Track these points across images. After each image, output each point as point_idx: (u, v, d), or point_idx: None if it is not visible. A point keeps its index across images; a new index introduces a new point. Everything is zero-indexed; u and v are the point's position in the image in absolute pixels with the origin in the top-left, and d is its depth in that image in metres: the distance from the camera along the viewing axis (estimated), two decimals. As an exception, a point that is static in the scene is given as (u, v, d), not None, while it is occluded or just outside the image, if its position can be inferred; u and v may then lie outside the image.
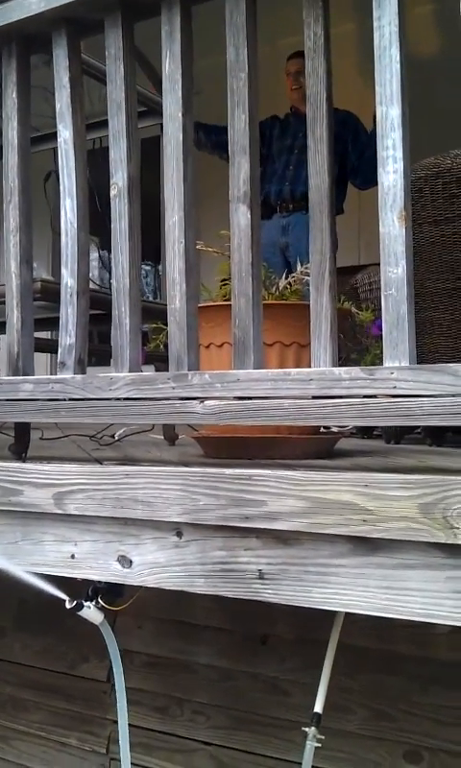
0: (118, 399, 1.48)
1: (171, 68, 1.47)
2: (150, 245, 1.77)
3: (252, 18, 1.41)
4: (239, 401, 1.35)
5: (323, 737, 1.70)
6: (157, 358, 2.19)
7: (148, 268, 6.07)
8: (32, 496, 1.48)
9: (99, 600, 1.56)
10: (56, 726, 2.40)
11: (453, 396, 1.16)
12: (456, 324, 2.21)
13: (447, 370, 1.17)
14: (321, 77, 1.35)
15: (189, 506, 1.30)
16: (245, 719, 2.06)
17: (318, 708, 1.72)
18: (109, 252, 1.59)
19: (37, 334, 1.75)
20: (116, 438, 2.28)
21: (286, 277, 1.76)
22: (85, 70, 1.85)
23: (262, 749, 2.02)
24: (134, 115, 1.56)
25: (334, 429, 1.96)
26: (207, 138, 3.79)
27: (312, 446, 1.67)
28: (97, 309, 1.85)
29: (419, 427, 2.18)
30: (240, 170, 1.40)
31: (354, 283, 2.80)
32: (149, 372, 1.53)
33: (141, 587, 1.42)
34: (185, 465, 1.42)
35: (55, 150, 1.76)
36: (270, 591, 1.25)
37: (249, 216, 1.39)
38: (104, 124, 1.60)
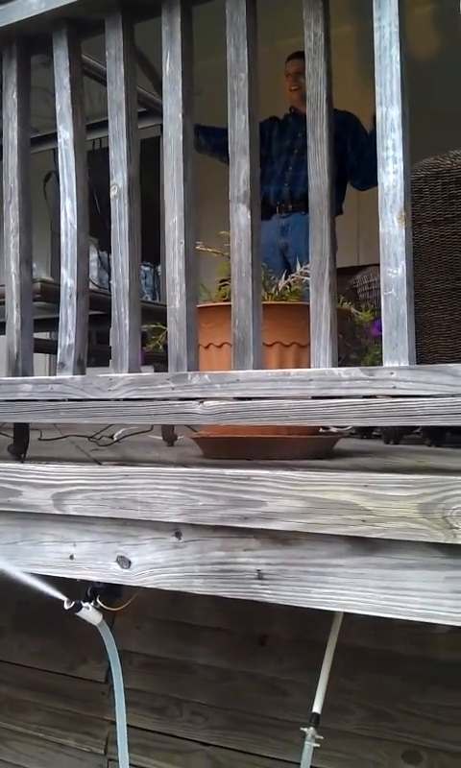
0: (117, 400, 1.48)
1: (171, 69, 1.47)
2: (148, 246, 1.77)
3: (252, 19, 1.41)
4: (239, 402, 1.35)
5: (321, 737, 1.70)
6: (155, 359, 2.19)
7: (147, 269, 6.08)
8: (31, 497, 1.48)
9: (98, 601, 1.56)
10: (54, 727, 2.40)
11: (453, 396, 1.16)
12: (456, 325, 2.21)
13: (446, 370, 1.18)
14: (321, 77, 1.35)
15: (188, 506, 1.30)
16: (243, 719, 2.06)
17: (317, 708, 1.72)
18: (109, 252, 1.59)
19: (37, 335, 1.75)
20: (115, 439, 2.28)
21: (286, 278, 1.76)
22: (86, 71, 1.85)
23: (261, 749, 2.02)
24: (135, 116, 1.56)
25: (333, 430, 1.96)
26: (207, 141, 3.79)
27: (311, 447, 1.67)
28: (96, 310, 1.85)
29: (418, 428, 2.18)
30: (240, 170, 1.40)
31: (353, 284, 2.80)
32: (148, 372, 1.53)
33: (140, 587, 1.42)
34: (184, 465, 1.42)
35: (54, 150, 1.76)
36: (269, 592, 1.25)
37: (249, 216, 1.39)
38: (104, 125, 1.60)
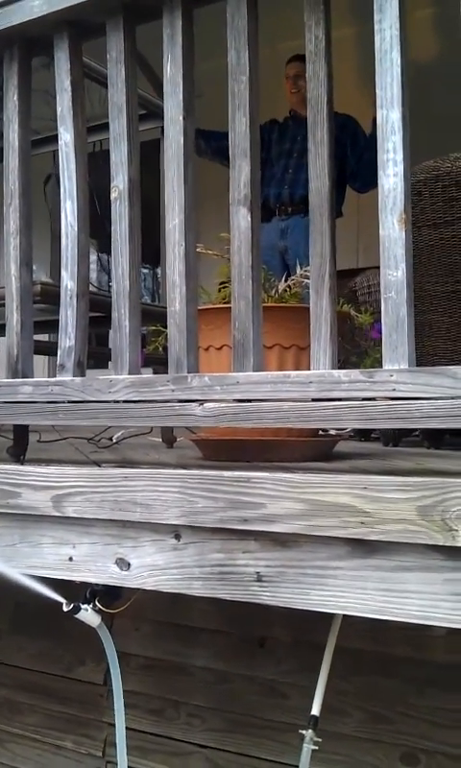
0: (117, 402, 1.48)
1: (172, 71, 1.47)
2: (148, 248, 1.77)
3: (253, 21, 1.41)
4: (239, 404, 1.35)
5: (320, 740, 1.70)
6: (155, 361, 2.19)
7: (146, 271, 6.08)
8: (30, 499, 1.48)
9: (96, 603, 1.56)
10: (51, 729, 2.40)
11: (452, 398, 1.16)
12: (455, 327, 2.21)
13: (446, 372, 1.18)
14: (322, 80, 1.36)
15: (187, 508, 1.30)
16: (241, 722, 2.05)
17: (315, 710, 1.72)
18: (108, 254, 1.60)
19: (36, 337, 1.76)
20: (114, 440, 2.28)
21: (286, 280, 1.77)
22: (87, 73, 1.85)
23: (259, 752, 2.02)
24: (135, 118, 1.56)
25: (332, 432, 1.96)
26: (208, 145, 3.79)
27: (310, 449, 1.68)
28: (96, 312, 1.85)
29: (417, 430, 2.18)
30: (241, 173, 1.40)
31: (353, 286, 2.81)
32: (148, 374, 1.53)
33: (139, 589, 1.42)
34: (184, 467, 1.42)
35: (54, 153, 1.76)
36: (268, 594, 1.25)
37: (249, 219, 1.39)
38: (105, 127, 1.60)
